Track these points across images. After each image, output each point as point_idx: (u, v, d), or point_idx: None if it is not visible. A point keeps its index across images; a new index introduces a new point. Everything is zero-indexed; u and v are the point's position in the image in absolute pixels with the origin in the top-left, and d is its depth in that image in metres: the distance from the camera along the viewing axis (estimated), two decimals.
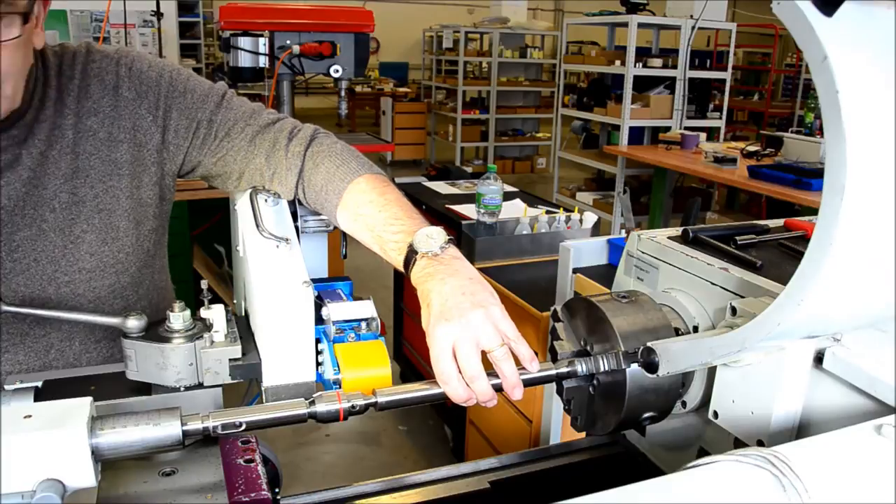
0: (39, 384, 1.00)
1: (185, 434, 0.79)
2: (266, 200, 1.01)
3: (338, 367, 0.92)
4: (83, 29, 8.43)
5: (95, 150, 1.16)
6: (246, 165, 1.23)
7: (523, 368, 0.94)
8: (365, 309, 0.97)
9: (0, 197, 1.10)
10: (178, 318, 0.94)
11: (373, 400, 0.85)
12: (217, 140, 1.24)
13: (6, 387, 0.99)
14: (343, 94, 3.97)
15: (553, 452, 1.29)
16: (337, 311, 0.96)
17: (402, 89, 12.31)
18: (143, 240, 1.26)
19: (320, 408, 0.83)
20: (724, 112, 7.00)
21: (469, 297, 0.94)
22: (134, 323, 0.95)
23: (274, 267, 0.94)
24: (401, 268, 1.03)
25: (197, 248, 4.28)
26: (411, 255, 1.00)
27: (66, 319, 1.03)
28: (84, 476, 0.74)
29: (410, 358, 3.77)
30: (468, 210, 3.10)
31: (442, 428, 3.56)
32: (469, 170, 9.16)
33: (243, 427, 0.81)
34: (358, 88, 12.24)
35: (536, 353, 2.48)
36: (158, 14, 6.98)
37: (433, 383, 0.90)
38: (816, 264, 0.65)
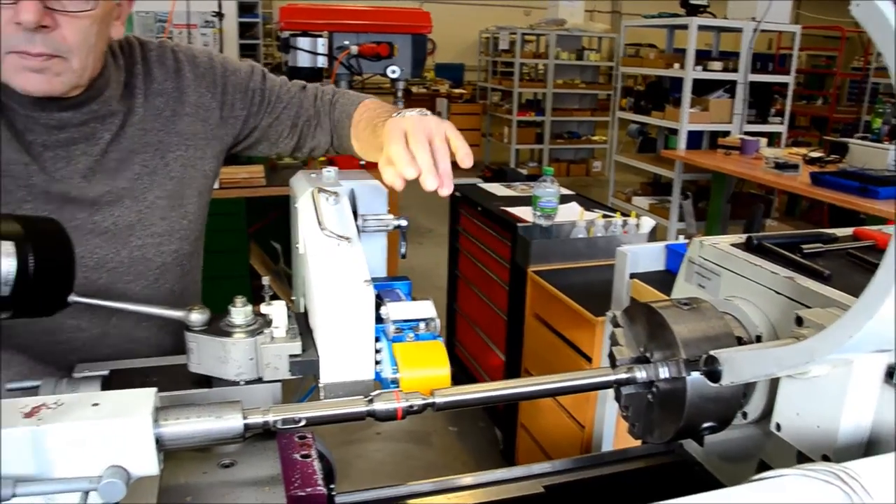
0: (107, 373, 1.03)
1: (247, 427, 0.80)
2: (327, 199, 1.02)
3: (396, 366, 0.93)
4: (147, 29, 8.62)
5: (163, 126, 1.29)
6: (298, 117, 1.43)
7: None
8: (425, 309, 0.97)
9: (79, 164, 1.20)
10: (240, 312, 0.96)
11: (431, 400, 0.85)
12: (271, 104, 1.42)
13: (75, 374, 1.02)
14: (400, 94, 3.99)
15: (607, 459, 1.28)
16: (396, 310, 0.96)
17: (457, 90, 12.32)
18: (201, 210, 1.39)
19: (379, 406, 0.83)
20: (787, 117, 6.83)
21: (425, 115, 1.11)
22: (197, 316, 0.97)
23: (335, 265, 0.94)
24: None
25: (254, 244, 4.35)
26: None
27: (132, 312, 1.05)
28: (148, 464, 0.76)
29: (463, 360, 3.77)
30: (524, 212, 3.08)
31: (492, 430, 3.55)
32: (524, 172, 9.12)
33: (303, 423, 0.82)
34: (414, 89, 12.28)
35: (590, 359, 2.45)
36: (220, 14, 7.11)
37: (492, 385, 0.90)
38: (892, 275, 0.63)
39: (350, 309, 0.93)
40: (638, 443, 1.24)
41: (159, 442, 0.77)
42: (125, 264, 1.26)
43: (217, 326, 0.97)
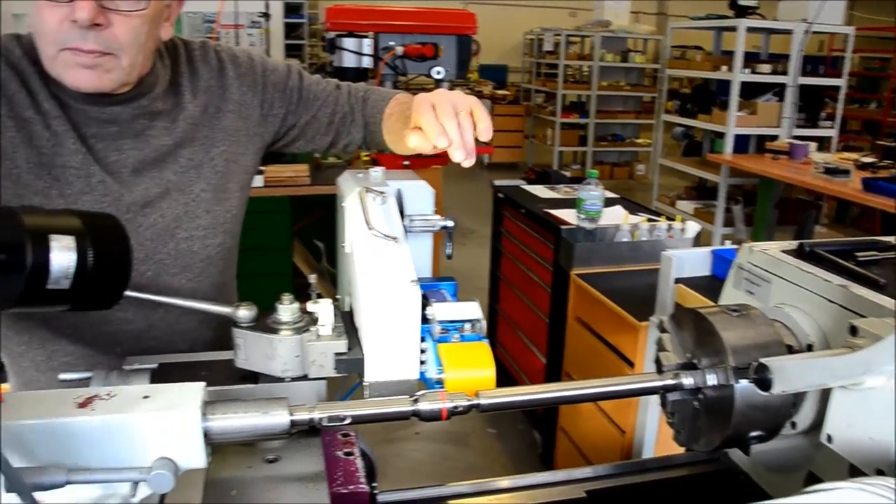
0: (155, 366, 1.05)
1: (293, 424, 0.81)
2: (375, 199, 1.02)
3: (441, 366, 0.93)
4: (196, 30, 8.76)
5: (207, 122, 1.33)
6: (334, 114, 1.47)
7: None
8: (470, 310, 0.97)
9: (128, 160, 1.24)
10: (287, 310, 0.97)
11: (476, 402, 0.84)
12: (308, 102, 1.45)
13: (125, 367, 1.04)
14: None
15: (651, 466, 1.26)
16: (442, 311, 0.96)
17: (500, 92, 12.28)
18: (242, 205, 1.43)
19: (424, 406, 0.83)
20: (837, 121, 6.67)
21: (452, 92, 1.13)
22: (244, 313, 0.98)
23: (382, 265, 0.95)
24: None
25: (297, 242, 4.39)
26: None
27: (181, 307, 1.07)
28: (196, 457, 0.77)
29: (503, 362, 3.76)
30: (567, 215, 3.07)
31: (531, 433, 3.54)
32: (567, 174, 9.06)
33: (348, 420, 0.83)
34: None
35: (632, 364, 2.43)
36: (266, 15, 7.20)
37: (538, 388, 0.89)
38: None
39: (396, 308, 0.93)
40: (680, 450, 1.23)
41: (207, 436, 0.79)
42: (172, 256, 1.30)
43: (264, 323, 0.98)
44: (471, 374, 0.92)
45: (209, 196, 1.33)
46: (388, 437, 3.55)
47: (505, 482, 1.18)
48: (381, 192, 1.04)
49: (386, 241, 0.96)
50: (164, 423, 0.76)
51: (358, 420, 0.83)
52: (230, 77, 1.36)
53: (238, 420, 0.81)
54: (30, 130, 1.16)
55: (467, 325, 0.96)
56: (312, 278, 1.03)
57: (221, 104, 1.35)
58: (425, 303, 0.98)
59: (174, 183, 1.28)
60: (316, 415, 0.82)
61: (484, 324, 0.97)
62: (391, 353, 0.95)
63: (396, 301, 0.93)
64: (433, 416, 0.83)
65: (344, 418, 0.83)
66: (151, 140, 1.25)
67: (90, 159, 1.20)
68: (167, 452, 0.76)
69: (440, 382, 0.92)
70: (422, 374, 0.97)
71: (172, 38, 1.32)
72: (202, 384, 0.82)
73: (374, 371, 0.95)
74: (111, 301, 0.88)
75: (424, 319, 0.97)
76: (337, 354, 0.96)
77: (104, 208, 1.20)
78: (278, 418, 0.81)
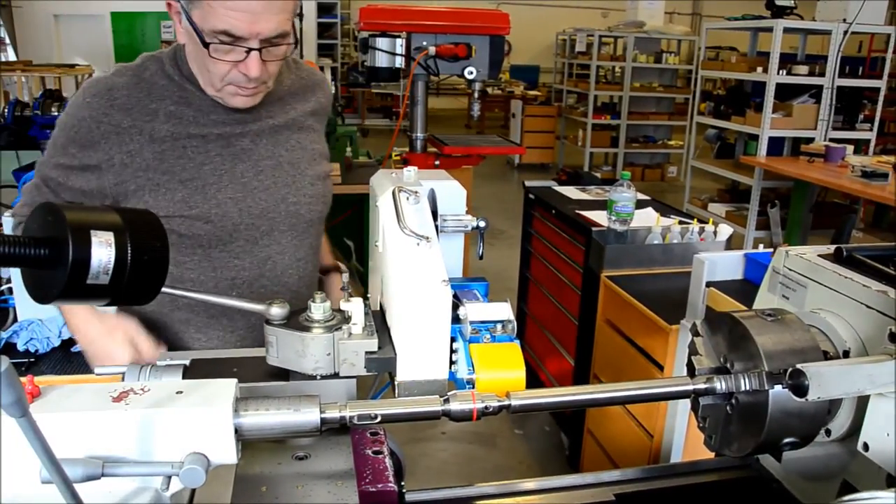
0: (187, 362, 1.06)
1: (323, 421, 0.82)
2: (408, 198, 1.02)
3: (472, 367, 0.92)
4: None
5: (295, 119, 1.59)
6: None
7: None
8: (502, 311, 0.97)
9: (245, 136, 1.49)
10: (319, 308, 0.97)
11: (506, 402, 0.84)
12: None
13: (158, 362, 1.05)
14: (476, 95, 4.00)
15: (679, 470, 1.25)
16: (474, 311, 0.96)
17: (532, 92, 12.27)
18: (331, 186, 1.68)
19: (454, 406, 0.83)
20: (876, 123, 6.54)
21: None
22: (277, 311, 0.99)
23: (414, 264, 0.94)
24: None
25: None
26: None
27: (214, 304, 1.09)
28: (227, 453, 0.78)
29: (530, 363, 3.75)
30: (598, 216, 3.05)
31: (558, 434, 3.53)
32: (598, 175, 9.01)
33: (378, 419, 0.83)
34: (489, 91, 12.28)
35: (662, 367, 2.40)
36: (299, 15, 7.24)
37: (569, 390, 0.89)
38: None
39: (427, 308, 0.93)
40: (709, 455, 1.22)
41: (238, 432, 0.79)
42: (282, 216, 1.52)
43: (296, 321, 0.98)
44: (502, 374, 0.92)
45: (311, 172, 1.57)
46: (414, 437, 3.55)
47: (532, 484, 1.18)
48: (415, 192, 1.04)
49: (418, 240, 0.96)
50: (196, 418, 0.77)
51: (388, 419, 0.83)
52: (310, 97, 1.64)
53: (269, 417, 0.81)
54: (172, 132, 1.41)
55: (499, 326, 0.96)
56: (345, 277, 1.03)
57: (297, 115, 1.61)
58: (457, 303, 0.98)
59: (285, 158, 1.53)
60: (346, 413, 0.82)
61: (515, 325, 0.96)
62: (422, 353, 0.95)
63: (427, 300, 0.93)
64: (464, 417, 0.83)
65: (374, 417, 0.83)
66: (266, 119, 1.51)
67: (216, 134, 1.44)
68: (199, 448, 0.77)
69: (471, 382, 0.92)
70: (452, 374, 0.97)
71: None
72: (234, 381, 0.82)
73: (405, 370, 0.95)
74: (148, 296, 0.89)
75: (456, 319, 0.97)
76: (368, 353, 0.96)
77: (226, 171, 1.44)
78: (309, 416, 0.81)
